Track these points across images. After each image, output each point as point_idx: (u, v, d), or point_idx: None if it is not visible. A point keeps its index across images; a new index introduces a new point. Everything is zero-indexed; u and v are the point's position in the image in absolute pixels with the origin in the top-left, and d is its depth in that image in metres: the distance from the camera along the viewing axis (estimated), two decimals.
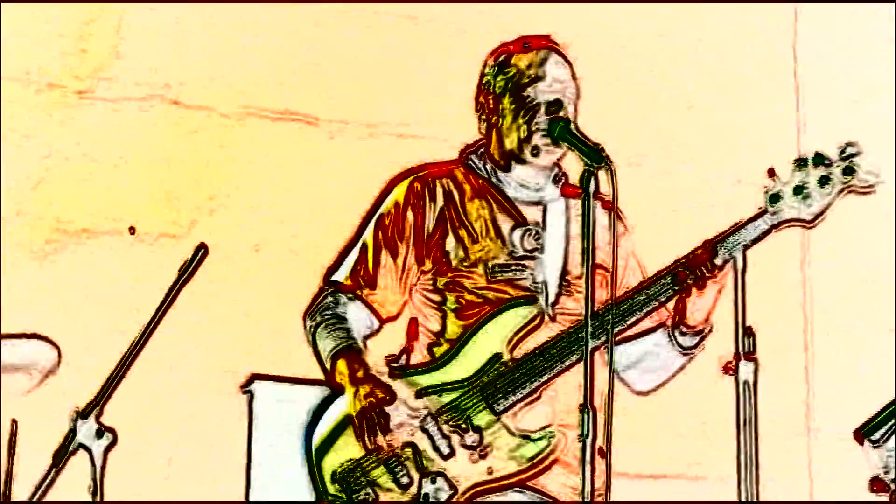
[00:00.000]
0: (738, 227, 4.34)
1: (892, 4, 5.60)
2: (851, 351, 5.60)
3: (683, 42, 5.67)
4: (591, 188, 4.10)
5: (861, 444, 4.60)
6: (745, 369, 4.21)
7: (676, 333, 4.46)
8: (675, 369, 4.54)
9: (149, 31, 5.13)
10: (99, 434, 4.33)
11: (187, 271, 4.49)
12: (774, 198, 4.33)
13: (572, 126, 4.38)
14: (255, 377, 4.99)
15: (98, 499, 4.31)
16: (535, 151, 4.43)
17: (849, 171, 4.30)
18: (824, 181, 4.31)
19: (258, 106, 5.22)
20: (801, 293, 5.68)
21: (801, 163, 4.34)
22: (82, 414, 4.35)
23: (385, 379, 4.38)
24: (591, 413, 3.99)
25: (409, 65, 5.37)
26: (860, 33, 5.67)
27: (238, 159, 5.17)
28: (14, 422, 4.51)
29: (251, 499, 4.93)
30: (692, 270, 4.32)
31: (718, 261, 4.31)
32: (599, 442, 4.03)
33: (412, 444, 4.34)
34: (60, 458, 4.35)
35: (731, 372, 4.23)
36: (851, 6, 5.69)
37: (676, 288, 4.34)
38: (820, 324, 5.68)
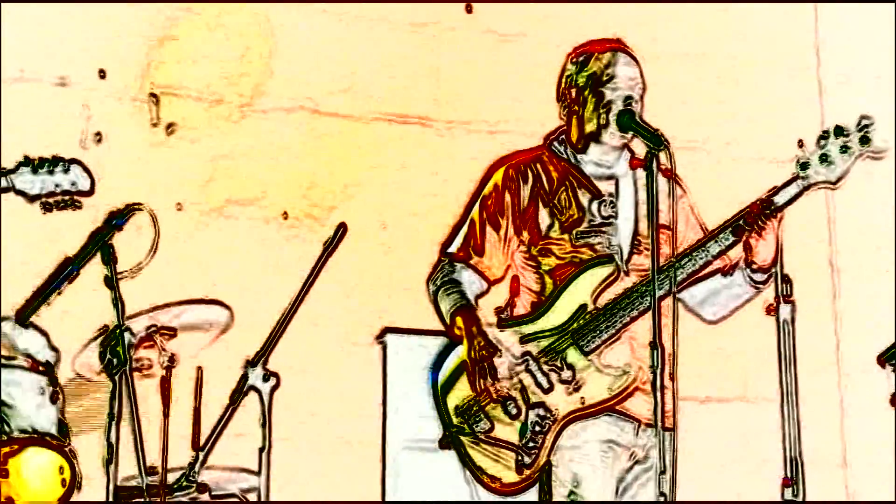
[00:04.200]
0: (776, 192, 4.24)
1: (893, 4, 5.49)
2: (872, 292, 5.50)
3: (723, 46, 5.61)
4: (654, 167, 4.06)
5: (883, 367, 4.53)
6: (785, 310, 4.14)
7: (749, 271, 4.33)
8: (743, 301, 4.43)
9: (294, 55, 5.13)
10: (266, 378, 4.36)
11: (330, 246, 4.50)
12: (804, 165, 4.22)
13: (637, 116, 4.30)
14: (387, 330, 5.03)
15: (267, 432, 4.32)
16: (612, 135, 4.36)
17: (865, 140, 4.19)
18: (845, 149, 4.19)
19: (382, 112, 5.20)
20: (828, 246, 5.60)
21: (824, 134, 4.23)
22: (252, 362, 4.38)
23: (495, 329, 4.35)
24: (660, 349, 3.96)
25: (499, 75, 5.32)
26: (875, 24, 5.56)
27: (368, 155, 5.17)
28: (199, 369, 4.57)
29: (387, 428, 4.97)
30: (750, 222, 4.22)
31: (770, 210, 4.20)
32: (669, 371, 4.02)
33: (519, 382, 4.31)
34: (236, 397, 4.39)
35: (772, 313, 4.16)
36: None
37: (736, 238, 4.25)
38: (845, 270, 5.59)
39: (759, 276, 4.33)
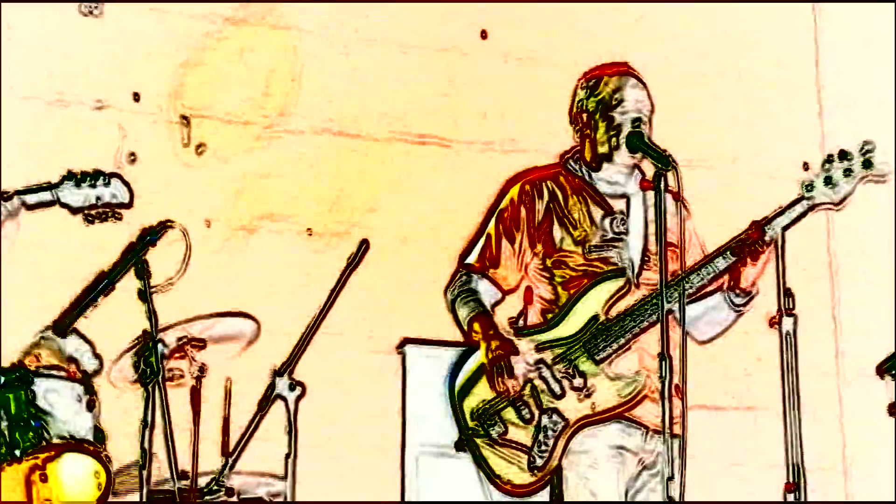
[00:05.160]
0: (781, 212, 4.26)
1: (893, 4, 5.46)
2: (870, 306, 5.50)
3: (725, 67, 5.62)
4: (662, 186, 4.09)
5: (882, 377, 4.52)
6: (787, 322, 4.14)
7: (731, 295, 4.37)
8: (728, 324, 4.47)
9: (318, 78, 5.15)
10: (292, 387, 4.35)
11: (354, 261, 4.47)
12: (809, 187, 4.25)
13: (645, 138, 4.32)
14: (406, 340, 5.02)
15: (293, 438, 4.32)
16: (623, 155, 4.38)
17: (867, 164, 4.21)
18: (848, 172, 4.21)
19: (402, 132, 5.22)
20: (828, 262, 5.59)
21: (829, 158, 4.25)
22: (278, 372, 4.37)
23: (510, 337, 4.37)
24: (667, 360, 3.98)
25: (512, 97, 5.33)
26: (874, 44, 5.57)
27: (389, 173, 5.17)
28: (229, 379, 4.57)
29: (406, 433, 4.98)
30: (748, 246, 4.25)
31: (767, 238, 4.24)
32: (676, 380, 4.02)
33: (533, 387, 4.33)
34: (263, 405, 4.38)
35: (775, 325, 4.16)
36: (866, 7, 5.58)
37: (734, 260, 4.26)
38: (844, 285, 5.58)
39: (739, 300, 4.37)
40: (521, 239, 4.42)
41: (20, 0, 4.82)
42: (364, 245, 4.49)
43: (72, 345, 4.37)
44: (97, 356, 4.44)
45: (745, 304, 4.39)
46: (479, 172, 5.13)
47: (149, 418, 4.12)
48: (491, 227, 4.47)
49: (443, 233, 5.05)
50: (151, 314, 4.17)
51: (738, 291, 4.36)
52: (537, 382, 4.31)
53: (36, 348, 4.36)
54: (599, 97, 4.42)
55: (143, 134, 4.92)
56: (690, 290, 4.27)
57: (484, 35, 5.33)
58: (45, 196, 4.21)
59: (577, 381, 4.30)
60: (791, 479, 4.07)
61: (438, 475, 4.83)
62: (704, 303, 4.43)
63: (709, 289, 4.37)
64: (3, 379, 4.17)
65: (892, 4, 5.47)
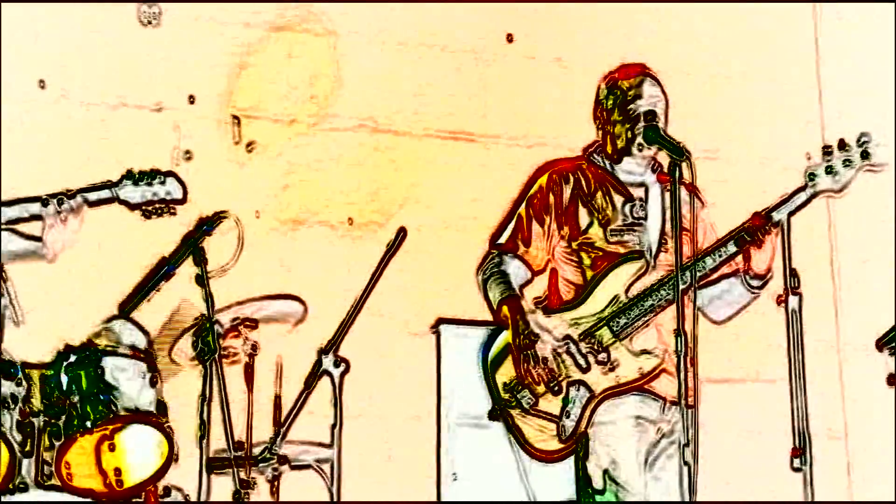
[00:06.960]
0: (787, 199, 4.32)
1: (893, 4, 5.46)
2: (868, 285, 5.51)
3: (735, 65, 5.63)
4: (676, 175, 4.13)
5: (881, 351, 4.55)
6: (793, 301, 4.17)
7: (747, 277, 4.43)
8: (743, 304, 4.51)
9: (357, 79, 5.17)
10: (336, 364, 4.42)
11: (392, 247, 4.54)
12: (811, 176, 4.30)
13: (661, 131, 4.37)
14: (441, 320, 5.04)
15: (338, 410, 4.39)
16: (640, 147, 4.44)
17: (866, 154, 4.26)
18: (847, 162, 4.26)
19: (435, 128, 5.23)
20: (829, 243, 5.58)
21: (829, 149, 4.31)
22: (324, 350, 4.44)
23: (541, 315, 4.42)
24: (683, 336, 4.02)
25: (536, 96, 5.34)
26: (874, 33, 5.57)
27: (423, 166, 5.18)
28: (280, 357, 4.61)
29: (441, 406, 5.02)
30: (751, 234, 4.31)
31: (774, 221, 4.28)
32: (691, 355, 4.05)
33: (560, 362, 4.39)
34: (310, 381, 4.45)
35: (782, 303, 4.20)
36: (865, 7, 5.58)
37: (738, 248, 4.33)
38: (844, 267, 5.57)
39: (755, 282, 4.40)
40: (550, 222, 4.47)
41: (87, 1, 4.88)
42: (401, 233, 4.55)
43: (127, 335, 4.43)
44: (150, 343, 4.48)
45: (760, 287, 4.43)
46: (506, 166, 5.14)
47: (207, 393, 4.20)
48: (522, 211, 4.52)
49: (473, 221, 5.06)
50: (208, 297, 4.25)
51: (753, 274, 4.39)
52: (565, 357, 4.37)
53: (97, 337, 4.42)
54: (617, 94, 4.48)
55: (197, 133, 4.95)
56: (704, 272, 4.31)
57: (510, 38, 5.35)
58: (106, 194, 4.24)
59: (602, 356, 4.36)
60: (797, 445, 4.12)
61: (471, 444, 4.87)
62: (720, 285, 4.47)
63: (725, 272, 4.42)
64: (74, 357, 4.23)
65: (892, 4, 5.48)
